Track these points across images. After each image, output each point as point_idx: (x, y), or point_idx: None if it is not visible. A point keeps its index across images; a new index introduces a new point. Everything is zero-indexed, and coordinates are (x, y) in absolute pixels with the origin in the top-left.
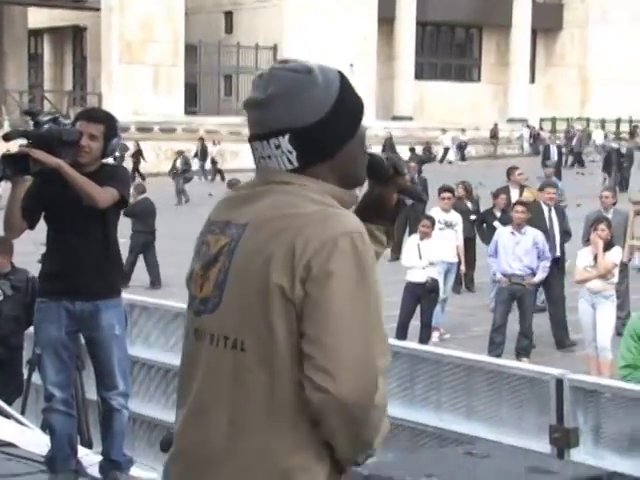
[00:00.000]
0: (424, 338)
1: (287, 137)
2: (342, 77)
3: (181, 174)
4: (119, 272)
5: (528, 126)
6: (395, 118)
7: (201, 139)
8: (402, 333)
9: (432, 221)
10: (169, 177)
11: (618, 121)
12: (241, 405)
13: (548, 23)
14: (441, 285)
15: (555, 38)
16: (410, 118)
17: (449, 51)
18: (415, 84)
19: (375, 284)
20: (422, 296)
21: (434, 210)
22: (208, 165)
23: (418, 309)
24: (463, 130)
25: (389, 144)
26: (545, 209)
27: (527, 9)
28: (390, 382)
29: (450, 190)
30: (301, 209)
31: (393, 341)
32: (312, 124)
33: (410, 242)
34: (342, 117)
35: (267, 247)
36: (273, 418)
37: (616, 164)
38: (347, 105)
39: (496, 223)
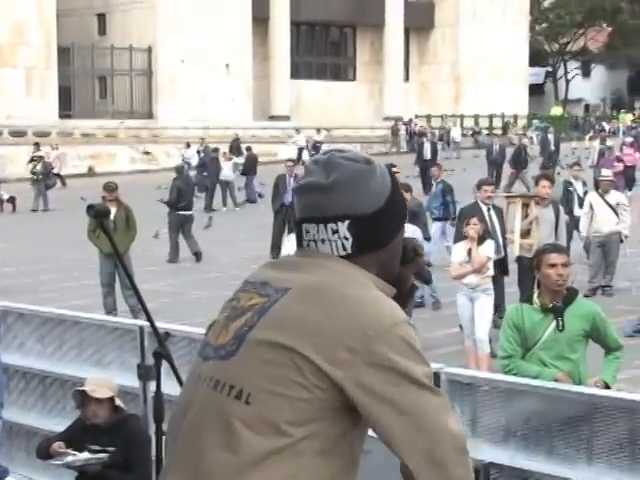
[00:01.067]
0: None
1: (347, 224)
2: (389, 170)
3: (42, 180)
4: None
5: (405, 123)
6: (272, 118)
7: (36, 144)
8: None
9: None
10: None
11: (491, 117)
12: (230, 457)
13: (420, 22)
14: None
15: (428, 36)
16: (287, 117)
17: (324, 50)
18: (291, 83)
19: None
20: None
21: None
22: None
23: None
24: (318, 130)
25: (236, 145)
26: (484, 208)
27: (399, 8)
28: None
29: None
30: (349, 290)
31: None
32: (371, 213)
33: (289, 241)
34: (395, 209)
35: (310, 319)
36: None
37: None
38: (398, 197)
39: None
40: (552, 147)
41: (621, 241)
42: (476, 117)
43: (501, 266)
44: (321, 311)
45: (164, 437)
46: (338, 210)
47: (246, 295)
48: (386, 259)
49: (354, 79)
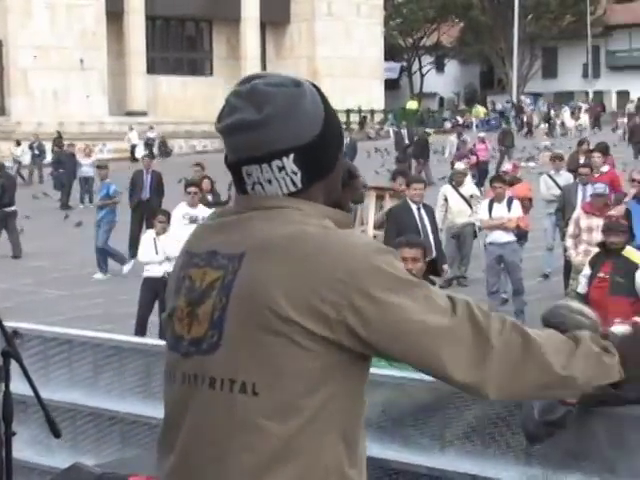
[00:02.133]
0: (163, 333)
1: (292, 157)
2: (313, 84)
3: None
4: None
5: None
6: (129, 113)
7: None
8: (141, 329)
9: (167, 216)
10: None
11: (348, 112)
12: (252, 457)
13: (276, 17)
14: None
15: (284, 31)
16: (144, 113)
17: (180, 45)
18: (148, 79)
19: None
20: (160, 291)
21: (181, 205)
22: None
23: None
24: (152, 127)
25: (58, 142)
26: (413, 207)
27: (255, 3)
28: (126, 380)
29: (197, 184)
30: (307, 234)
31: (131, 338)
32: (313, 140)
33: (146, 237)
34: (333, 128)
35: (278, 279)
36: (286, 468)
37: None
38: (332, 114)
39: None
40: (406, 141)
41: (474, 232)
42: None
43: (432, 267)
44: (285, 268)
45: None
46: (280, 144)
47: (198, 271)
48: (332, 185)
49: (211, 74)
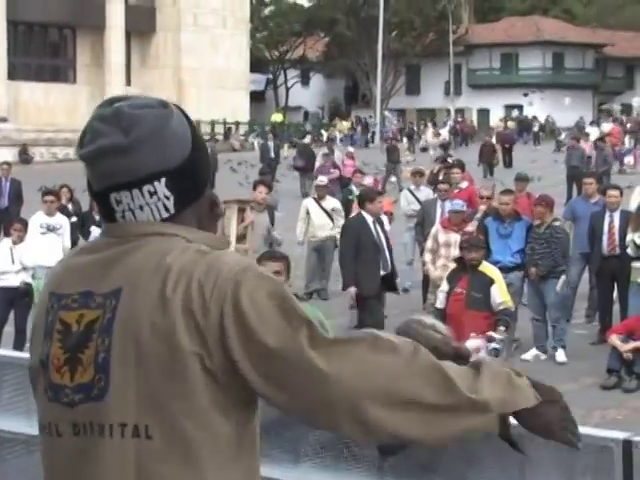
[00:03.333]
0: (18, 344)
1: (163, 181)
2: (176, 105)
3: None
4: None
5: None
6: None
7: None
8: None
9: (24, 224)
10: None
11: (213, 123)
12: None
13: (142, 26)
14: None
15: (149, 41)
16: (5, 119)
17: (43, 51)
18: (8, 84)
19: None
20: (15, 301)
21: (38, 214)
22: None
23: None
24: None
25: None
26: (369, 220)
27: (120, 12)
28: None
29: (54, 193)
30: (184, 261)
31: None
32: (183, 162)
33: (2, 246)
34: (202, 149)
35: (160, 312)
36: None
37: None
38: (199, 136)
39: (93, 228)
40: (272, 154)
41: (335, 245)
42: (198, 123)
43: (388, 282)
44: (169, 299)
45: None
46: (151, 168)
47: (72, 314)
48: (202, 210)
49: (75, 81)
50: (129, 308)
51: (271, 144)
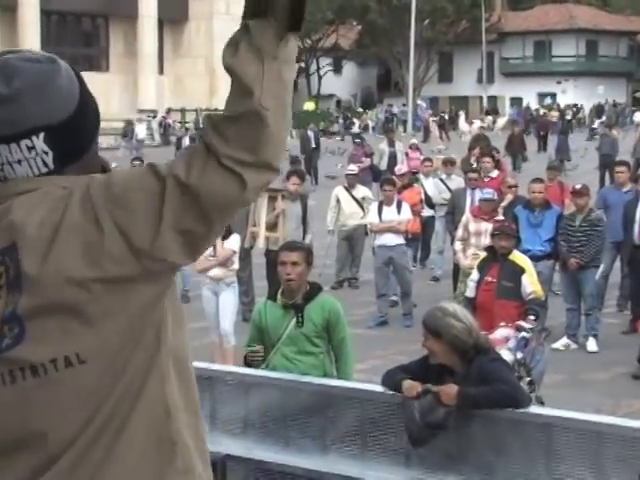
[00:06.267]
0: None
1: (42, 136)
2: (71, 66)
3: None
4: None
5: (155, 117)
6: None
7: None
8: None
9: None
10: None
11: None
12: (104, 419)
13: (175, 14)
14: None
15: (182, 29)
16: None
17: (76, 41)
18: None
19: None
20: None
21: None
22: None
23: None
24: None
25: None
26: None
27: (153, 0)
28: None
29: None
30: (67, 188)
31: None
32: (66, 119)
33: None
34: (89, 108)
35: (59, 251)
36: (137, 414)
37: None
38: (89, 95)
39: None
40: (313, 144)
41: (366, 234)
42: None
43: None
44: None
45: None
46: (29, 123)
47: None
48: (88, 167)
49: (107, 70)
50: (28, 260)
51: (311, 133)
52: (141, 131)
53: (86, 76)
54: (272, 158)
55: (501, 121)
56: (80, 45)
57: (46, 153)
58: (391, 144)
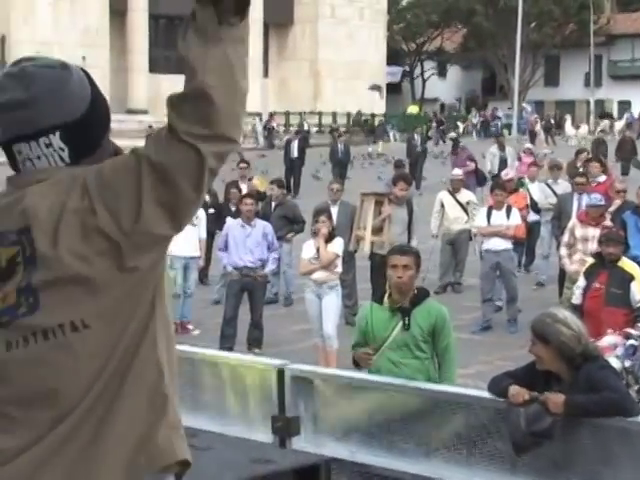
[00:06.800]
0: None
1: (58, 134)
2: (82, 69)
3: None
4: None
5: (261, 120)
6: (130, 111)
7: None
8: None
9: None
10: None
11: (349, 115)
12: (102, 379)
13: (280, 18)
14: (179, 280)
15: (287, 33)
16: (145, 111)
17: None
18: (149, 77)
19: None
20: None
21: None
22: None
23: None
24: (150, 126)
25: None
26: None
27: (259, 4)
28: None
29: None
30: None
31: None
32: (79, 118)
33: None
34: (100, 108)
35: (68, 232)
36: (134, 380)
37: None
38: (100, 96)
39: (228, 219)
40: (419, 149)
41: (470, 239)
42: (334, 115)
43: None
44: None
45: None
46: (46, 122)
47: None
48: (101, 159)
49: None
50: (41, 240)
51: (418, 137)
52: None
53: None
54: (225, 130)
55: (618, 124)
56: None
57: (62, 149)
58: (501, 148)
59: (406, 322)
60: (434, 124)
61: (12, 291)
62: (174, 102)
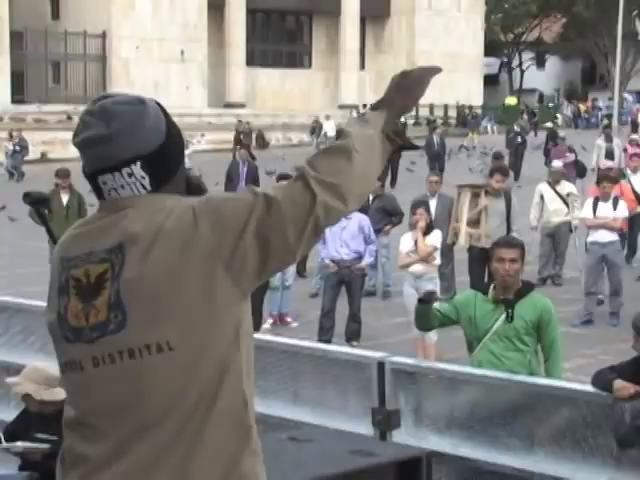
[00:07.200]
0: (254, 325)
1: (139, 164)
2: (157, 103)
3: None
4: None
5: (358, 113)
6: (227, 105)
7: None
8: None
9: None
10: None
11: (446, 107)
12: (187, 400)
13: (376, 10)
14: (278, 274)
15: (384, 25)
16: (242, 105)
17: (280, 38)
18: (247, 71)
19: None
20: None
21: None
22: None
23: None
24: (247, 122)
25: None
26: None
27: None
28: None
29: (288, 178)
30: (170, 205)
31: None
32: (157, 148)
33: None
34: (175, 138)
35: (161, 252)
36: (216, 400)
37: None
38: (174, 127)
39: None
40: (519, 139)
41: (570, 231)
42: (431, 107)
43: None
44: (171, 234)
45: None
46: (127, 154)
47: (79, 270)
48: (177, 187)
49: (310, 67)
50: (137, 255)
51: (517, 128)
52: (330, 128)
53: (289, 73)
54: (347, 192)
55: None
56: (284, 42)
57: (143, 177)
58: (608, 139)
59: (510, 314)
60: (525, 116)
61: (104, 306)
62: (313, 156)
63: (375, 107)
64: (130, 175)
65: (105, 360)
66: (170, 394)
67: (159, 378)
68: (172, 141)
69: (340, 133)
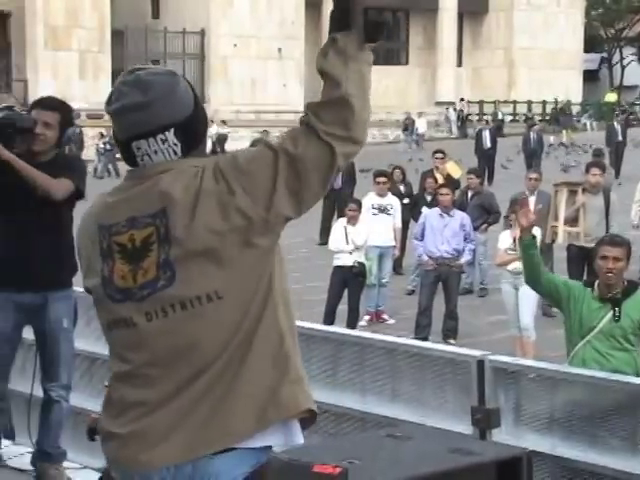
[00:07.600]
0: (351, 322)
1: (172, 131)
2: (183, 77)
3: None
4: (70, 263)
5: (455, 109)
6: None
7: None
8: (330, 318)
9: (359, 205)
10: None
11: (544, 103)
12: (236, 338)
13: (474, 7)
14: (374, 270)
15: (481, 21)
16: None
17: None
18: None
19: None
20: (349, 280)
21: (369, 195)
22: None
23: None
24: (224, 122)
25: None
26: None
27: None
28: (313, 367)
29: (385, 174)
30: (199, 166)
31: (317, 326)
32: (187, 117)
33: (337, 226)
34: (201, 110)
35: (203, 212)
36: (259, 345)
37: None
38: (198, 98)
39: (424, 209)
40: (619, 137)
41: None
42: (529, 103)
43: None
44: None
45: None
46: (162, 121)
47: (123, 236)
48: (202, 154)
49: (407, 63)
50: (180, 218)
51: (618, 126)
52: (422, 125)
53: (386, 69)
54: (359, 134)
55: None
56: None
57: (175, 144)
58: None
59: (617, 313)
60: (616, 113)
61: (152, 266)
62: (316, 108)
63: (339, 28)
64: (164, 141)
65: (158, 314)
66: (221, 338)
67: (211, 325)
68: (199, 112)
69: (330, 83)
